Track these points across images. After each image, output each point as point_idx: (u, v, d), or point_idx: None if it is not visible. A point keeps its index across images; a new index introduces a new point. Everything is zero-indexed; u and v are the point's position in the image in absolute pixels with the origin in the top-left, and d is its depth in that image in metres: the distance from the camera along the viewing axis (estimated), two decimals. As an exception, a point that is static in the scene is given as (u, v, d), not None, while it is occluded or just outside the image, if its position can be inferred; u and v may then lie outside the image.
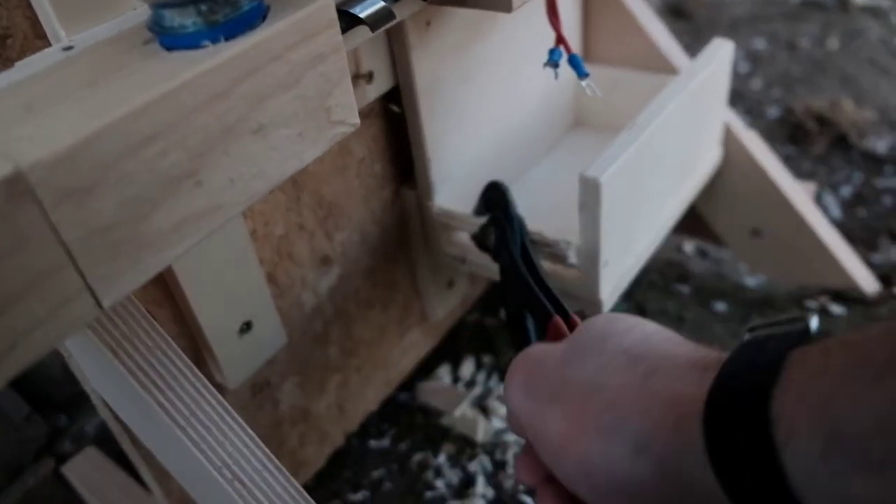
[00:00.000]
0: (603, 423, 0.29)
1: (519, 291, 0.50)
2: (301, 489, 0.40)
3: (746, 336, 0.28)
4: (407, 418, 0.73)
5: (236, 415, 0.40)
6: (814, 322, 0.26)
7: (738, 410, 0.25)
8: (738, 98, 1.18)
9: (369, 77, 0.53)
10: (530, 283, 0.49)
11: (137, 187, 0.29)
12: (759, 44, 1.33)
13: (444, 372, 0.76)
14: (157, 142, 0.30)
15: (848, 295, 0.76)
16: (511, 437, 0.70)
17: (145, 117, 0.29)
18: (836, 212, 0.95)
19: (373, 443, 0.72)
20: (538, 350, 0.35)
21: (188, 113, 0.31)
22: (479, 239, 0.57)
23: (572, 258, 0.56)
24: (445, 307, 0.74)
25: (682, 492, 0.27)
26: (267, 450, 0.40)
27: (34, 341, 0.28)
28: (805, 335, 0.26)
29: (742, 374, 0.25)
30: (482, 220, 0.57)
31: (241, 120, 0.33)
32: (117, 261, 0.29)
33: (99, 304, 0.29)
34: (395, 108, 0.59)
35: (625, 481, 0.28)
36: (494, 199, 0.57)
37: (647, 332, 0.32)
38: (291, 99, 0.34)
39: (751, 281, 0.85)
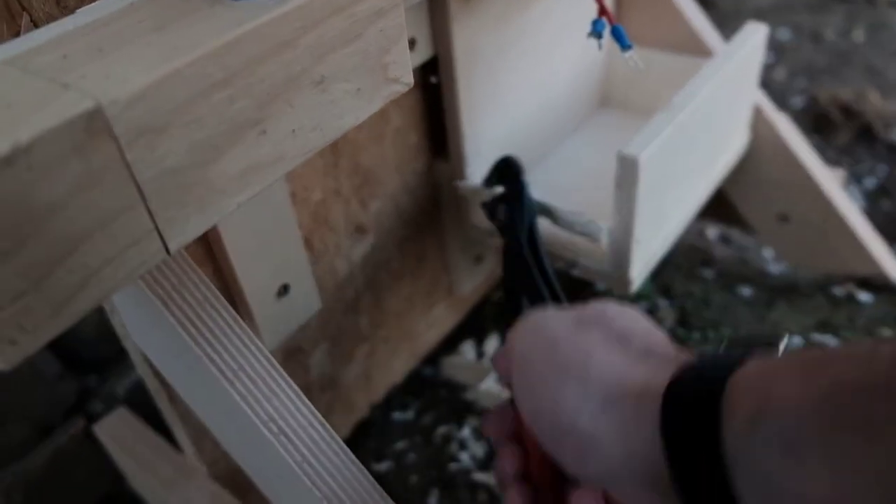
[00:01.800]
0: (588, 374, 0.31)
1: (519, 274, 0.51)
2: (345, 447, 0.40)
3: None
4: (431, 392, 0.74)
5: (283, 371, 0.40)
6: (783, 345, 0.33)
7: (694, 393, 0.27)
8: (762, 87, 1.17)
9: (411, 44, 0.53)
10: (532, 270, 0.50)
11: (207, 131, 0.29)
12: (784, 34, 1.32)
13: (468, 347, 0.77)
14: (226, 88, 0.30)
15: (875, 282, 0.76)
16: (535, 413, 0.70)
17: (216, 62, 0.29)
18: (860, 203, 0.95)
19: (397, 415, 0.72)
20: (551, 315, 0.36)
21: (255, 61, 0.31)
22: (489, 209, 0.57)
23: (603, 240, 0.56)
24: (472, 282, 0.74)
25: (631, 465, 0.29)
26: (313, 407, 0.40)
27: (102, 281, 0.28)
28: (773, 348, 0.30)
29: (705, 369, 0.28)
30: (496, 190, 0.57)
31: (304, 71, 0.33)
32: (185, 204, 0.30)
33: (166, 248, 0.30)
34: (433, 79, 0.59)
35: (585, 431, 0.30)
36: (508, 175, 0.57)
37: (641, 320, 0.35)
38: (352, 53, 0.35)
39: (774, 268, 0.86)
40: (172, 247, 0.30)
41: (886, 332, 0.72)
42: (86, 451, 0.62)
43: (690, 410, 0.27)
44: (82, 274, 0.27)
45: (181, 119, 0.29)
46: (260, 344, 0.40)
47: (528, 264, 0.51)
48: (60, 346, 0.62)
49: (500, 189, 0.57)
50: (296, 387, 0.40)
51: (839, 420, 0.22)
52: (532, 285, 0.50)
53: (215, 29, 0.30)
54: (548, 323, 0.35)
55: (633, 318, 0.34)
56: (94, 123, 0.26)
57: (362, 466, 0.40)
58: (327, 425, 0.40)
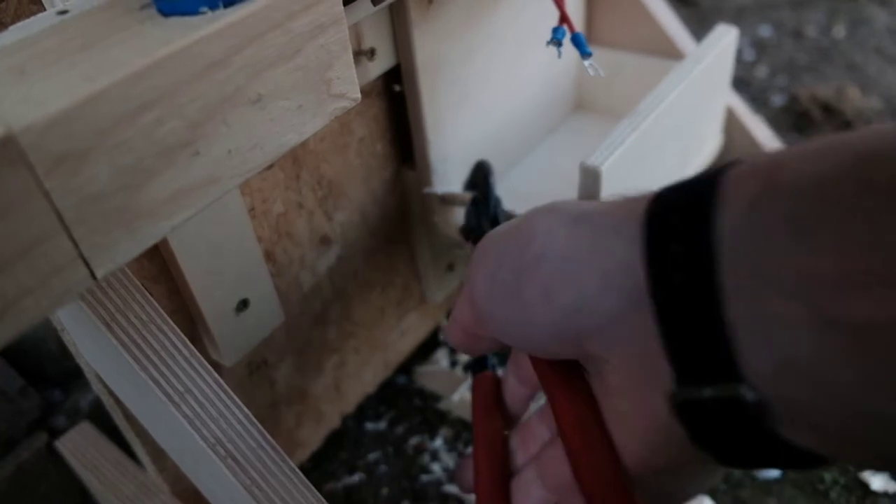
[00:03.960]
0: (557, 207, 0.29)
1: None
2: (296, 468, 0.40)
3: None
4: (404, 401, 0.73)
5: (231, 392, 0.39)
6: None
7: (683, 191, 0.24)
8: (743, 85, 1.17)
9: (371, 54, 0.53)
10: None
11: (133, 155, 0.29)
12: (765, 31, 1.31)
13: (441, 356, 0.76)
14: (154, 109, 0.29)
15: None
16: (508, 422, 0.69)
17: (142, 83, 0.28)
18: (839, 202, 0.94)
19: (369, 425, 0.71)
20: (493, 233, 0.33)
21: (186, 80, 0.30)
22: (464, 230, 0.57)
23: None
24: (445, 290, 0.73)
25: (607, 278, 0.25)
26: (262, 428, 0.39)
27: (24, 311, 0.27)
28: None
29: (699, 175, 0.25)
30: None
31: (239, 90, 0.32)
32: (112, 230, 0.29)
33: (92, 275, 0.29)
34: (396, 87, 0.58)
35: (556, 253, 0.27)
36: (477, 179, 0.57)
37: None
38: (291, 70, 0.34)
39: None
40: (100, 273, 0.29)
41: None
42: (49, 467, 0.61)
43: (678, 205, 0.24)
44: (0, 304, 0.26)
45: (105, 143, 0.28)
46: (208, 366, 0.39)
47: None
48: (23, 360, 0.61)
49: (468, 195, 0.57)
50: (245, 409, 0.39)
51: (867, 188, 0.19)
52: None
53: (143, 48, 0.29)
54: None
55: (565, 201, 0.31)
56: (7, 152, 0.25)
57: (314, 489, 0.39)
58: (278, 448, 0.39)
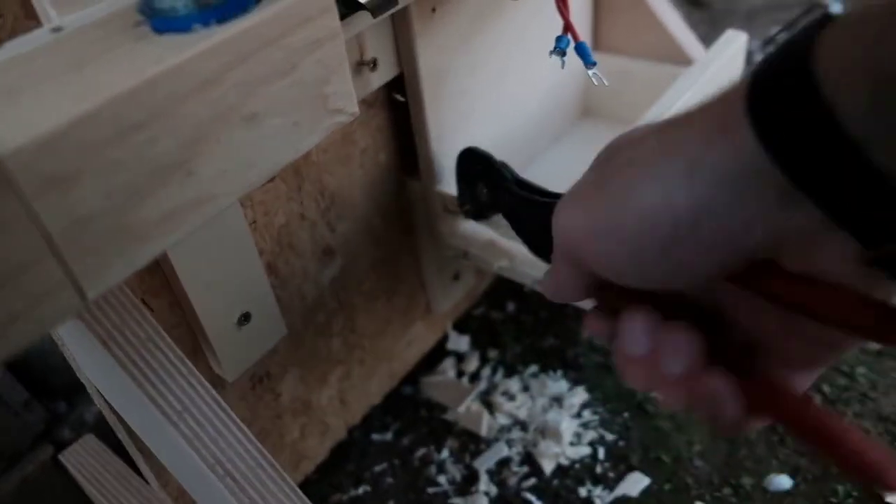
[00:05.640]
0: (650, 166, 0.27)
1: (532, 213, 0.48)
2: (295, 487, 0.39)
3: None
4: (410, 412, 0.72)
5: (230, 411, 0.39)
6: (835, 6, 0.26)
7: (779, 77, 0.23)
8: (754, 90, 1.16)
9: (373, 64, 0.52)
10: (539, 199, 0.47)
11: (125, 176, 0.28)
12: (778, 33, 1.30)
13: (448, 366, 0.75)
14: (146, 129, 0.29)
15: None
16: (515, 435, 0.68)
17: (133, 102, 0.28)
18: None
19: (375, 436, 0.71)
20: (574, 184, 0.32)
21: (178, 99, 0.29)
22: (467, 198, 0.56)
23: None
24: (451, 300, 0.73)
25: (743, 206, 0.25)
26: (261, 447, 0.39)
27: (13, 334, 0.27)
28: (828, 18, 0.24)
29: (778, 55, 0.24)
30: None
31: (233, 108, 0.31)
32: (103, 252, 0.28)
33: (83, 297, 0.28)
34: (399, 97, 0.57)
35: (687, 210, 0.26)
36: (471, 164, 0.56)
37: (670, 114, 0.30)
38: (287, 86, 0.33)
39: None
40: (91, 295, 0.29)
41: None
42: (54, 479, 0.61)
43: (783, 101, 0.23)
44: (-11, 330, 0.26)
45: (96, 164, 0.27)
46: (207, 384, 0.39)
47: (536, 200, 0.48)
48: (28, 373, 0.61)
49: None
50: (245, 428, 0.39)
51: None
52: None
53: (135, 67, 0.29)
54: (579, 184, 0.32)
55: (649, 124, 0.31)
56: (-6, 175, 0.25)
57: (313, 508, 0.39)
58: (277, 466, 0.39)
